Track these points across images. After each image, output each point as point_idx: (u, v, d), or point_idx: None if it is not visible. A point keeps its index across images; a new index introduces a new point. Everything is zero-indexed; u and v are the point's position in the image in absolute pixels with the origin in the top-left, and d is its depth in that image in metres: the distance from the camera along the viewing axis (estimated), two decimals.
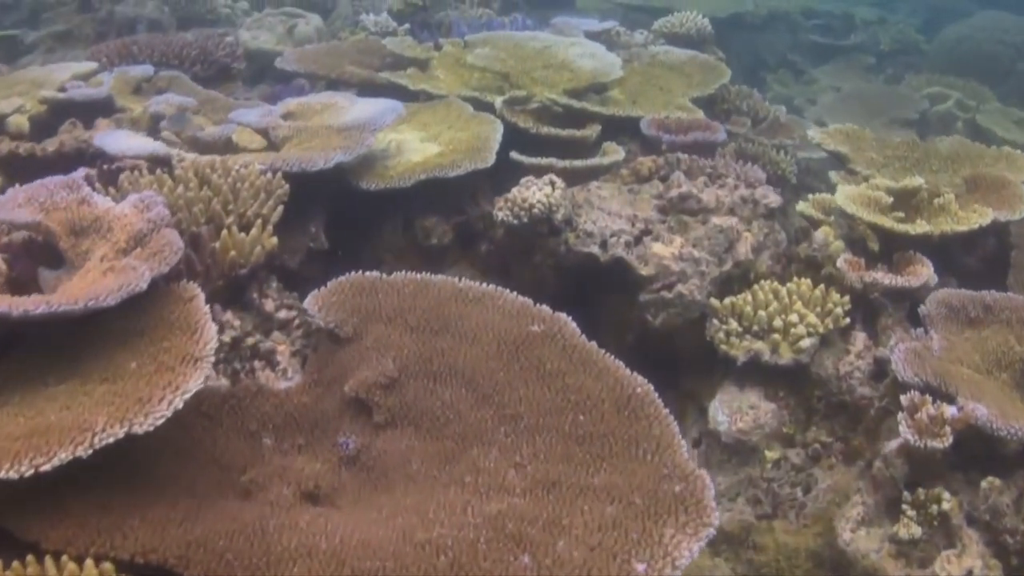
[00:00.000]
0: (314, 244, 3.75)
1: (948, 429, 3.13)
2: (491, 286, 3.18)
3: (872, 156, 4.80)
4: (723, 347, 3.61)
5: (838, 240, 3.90)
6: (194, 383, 2.52)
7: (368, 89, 5.06)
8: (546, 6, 8.87)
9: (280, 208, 3.37)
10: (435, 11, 7.10)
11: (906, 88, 8.69)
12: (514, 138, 4.38)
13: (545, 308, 3.09)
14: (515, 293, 3.15)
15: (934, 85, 8.65)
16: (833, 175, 4.62)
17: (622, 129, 4.78)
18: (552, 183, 3.76)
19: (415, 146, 4.30)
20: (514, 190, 3.78)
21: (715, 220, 3.78)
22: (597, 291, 3.83)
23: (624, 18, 8.61)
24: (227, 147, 4.05)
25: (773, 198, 3.99)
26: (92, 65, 4.90)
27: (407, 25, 6.17)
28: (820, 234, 3.90)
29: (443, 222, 4.04)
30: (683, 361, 3.80)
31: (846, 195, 3.97)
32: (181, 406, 2.45)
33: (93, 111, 4.38)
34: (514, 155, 4.30)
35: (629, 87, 5.31)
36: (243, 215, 3.27)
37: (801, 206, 4.24)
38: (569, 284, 3.84)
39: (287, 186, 3.41)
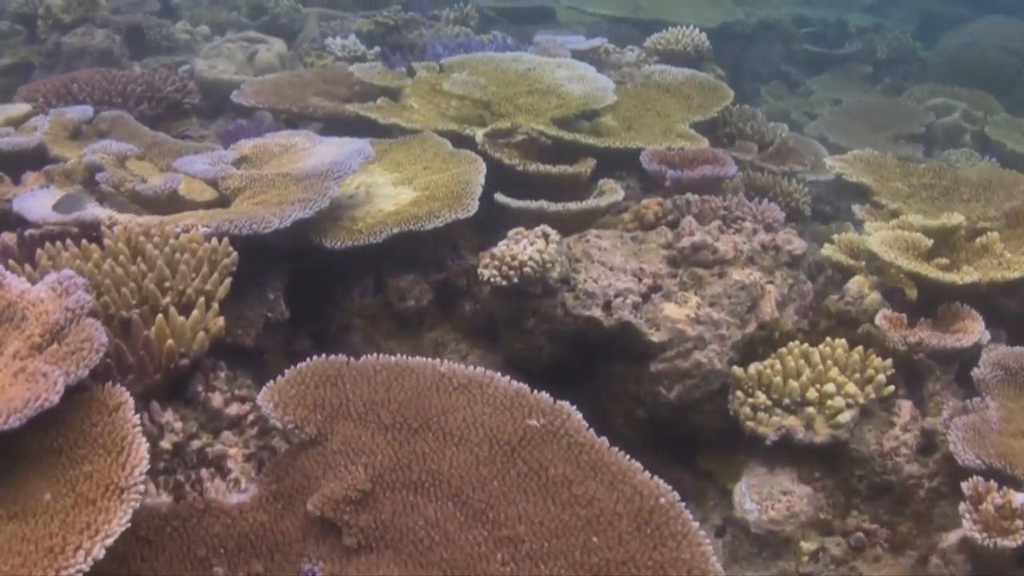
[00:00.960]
0: (272, 314, 3.24)
1: (1020, 523, 2.66)
2: (479, 370, 2.68)
3: (897, 186, 4.32)
4: (749, 424, 3.11)
5: (874, 292, 3.42)
6: (118, 523, 2.07)
7: (335, 124, 4.57)
8: (526, 21, 8.40)
9: (228, 281, 2.85)
10: (408, 31, 6.60)
11: (909, 100, 8.23)
12: (498, 176, 3.88)
13: (544, 397, 2.61)
14: (507, 378, 2.66)
15: (938, 95, 8.20)
16: (857, 210, 4.14)
17: (618, 161, 4.29)
18: (545, 236, 3.26)
19: (387, 191, 3.80)
20: (501, 245, 3.27)
21: (735, 276, 3.29)
22: (600, 359, 3.34)
23: (609, 32, 8.12)
24: (172, 201, 3.54)
25: (797, 244, 3.50)
26: (26, 107, 4.39)
27: (377, 48, 5.67)
28: (854, 286, 3.42)
29: (420, 280, 3.54)
30: (701, 437, 3.30)
31: (881, 240, 3.49)
32: (103, 555, 1.95)
33: (23, 161, 3.87)
34: (499, 198, 3.80)
35: (623, 112, 4.82)
36: (183, 293, 2.76)
37: (827, 250, 3.75)
38: (567, 351, 3.34)
39: (235, 254, 2.90)
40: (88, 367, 2.33)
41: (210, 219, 3.11)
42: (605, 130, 4.73)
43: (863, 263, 3.68)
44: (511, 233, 3.32)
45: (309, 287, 3.50)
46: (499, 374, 2.68)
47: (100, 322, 2.58)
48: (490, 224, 3.63)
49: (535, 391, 2.64)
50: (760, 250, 3.47)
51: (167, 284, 2.75)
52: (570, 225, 3.69)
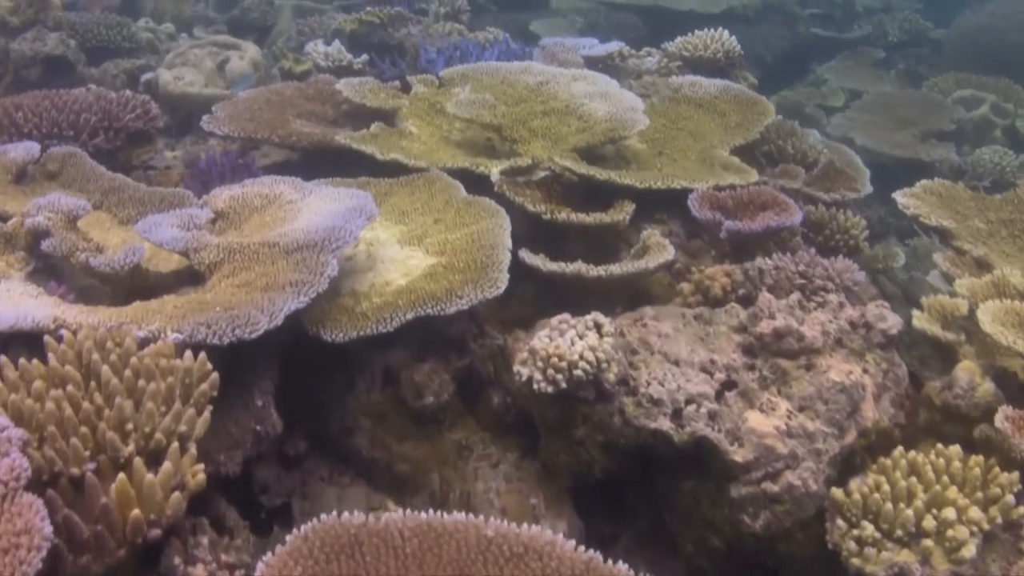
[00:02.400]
0: (261, 427, 2.61)
1: None
2: (536, 533, 2.07)
3: (977, 225, 3.74)
4: (855, 561, 2.52)
5: (986, 381, 2.83)
6: None
7: (322, 156, 3.91)
8: (517, 8, 7.74)
9: (208, 414, 2.22)
10: (395, 29, 5.92)
11: (933, 91, 7.62)
12: (519, 220, 3.29)
13: (623, 571, 2.01)
14: (572, 544, 2.05)
15: (964, 86, 7.59)
16: (939, 260, 3.55)
17: (657, 200, 3.67)
18: (598, 327, 2.65)
19: (393, 251, 3.17)
20: (543, 336, 2.66)
21: (831, 374, 2.69)
22: (664, 472, 2.74)
23: (608, 20, 7.51)
24: (134, 276, 2.89)
25: (892, 321, 2.90)
26: None
27: (365, 56, 4.99)
28: (963, 375, 2.83)
29: (439, 370, 2.92)
30: (789, 569, 2.71)
31: (991, 316, 2.90)
32: None
33: None
34: (527, 258, 3.19)
35: (651, 133, 4.21)
36: (150, 436, 2.13)
37: (919, 320, 3.17)
38: (624, 463, 2.73)
39: (214, 376, 2.28)
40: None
41: (181, 317, 2.48)
42: (632, 156, 4.12)
43: (962, 336, 3.09)
44: (554, 322, 2.70)
45: (305, 382, 2.88)
46: (562, 537, 2.07)
47: (44, 479, 1.98)
48: (515, 287, 3.00)
49: (610, 561, 2.05)
50: (849, 329, 2.87)
51: (129, 426, 2.11)
52: (610, 289, 3.10)
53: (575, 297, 3.15)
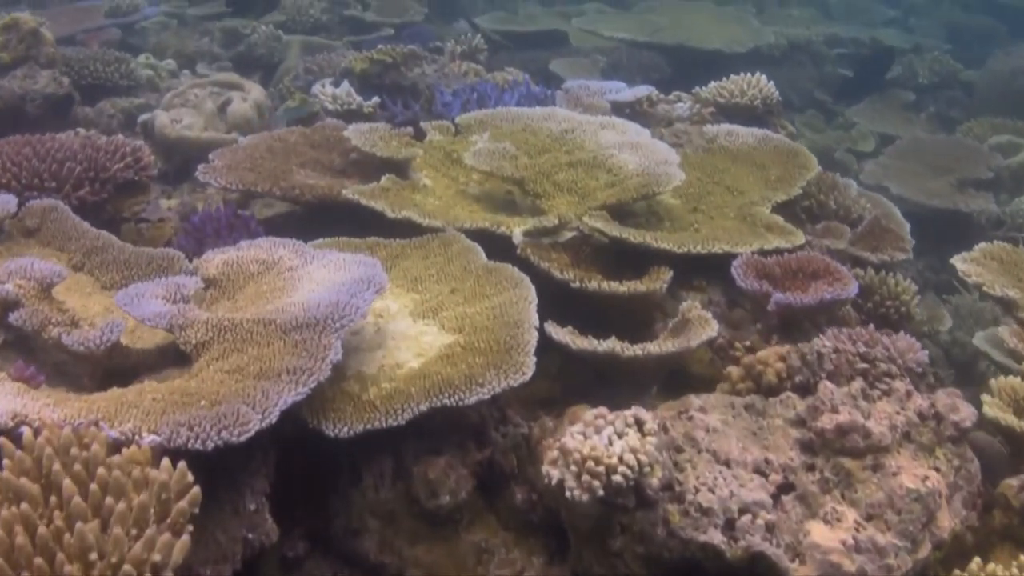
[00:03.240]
0: (254, 535, 2.28)
1: None
2: None
3: None
4: None
5: None
6: None
7: (328, 210, 3.60)
8: (536, 46, 7.46)
9: (187, 536, 1.89)
10: (408, 68, 5.62)
11: (968, 137, 7.29)
12: (542, 286, 2.96)
13: None
14: None
15: (1000, 132, 7.27)
16: (1006, 336, 3.22)
17: (692, 261, 3.35)
18: (639, 424, 2.31)
19: (404, 326, 2.85)
20: (576, 434, 2.32)
21: (904, 479, 2.36)
22: None
23: (630, 59, 7.21)
24: (112, 355, 2.56)
25: (965, 412, 2.57)
26: None
27: (376, 99, 4.68)
28: None
29: (456, 465, 2.58)
30: None
31: None
32: None
33: None
34: (554, 333, 2.87)
35: (686, 187, 3.88)
36: (118, 566, 1.78)
37: (990, 408, 2.82)
38: None
39: (196, 491, 1.94)
40: None
41: (159, 414, 2.15)
42: (665, 212, 3.80)
43: None
44: (589, 417, 2.36)
45: (304, 478, 2.55)
46: None
47: None
48: (539, 359, 2.66)
49: None
50: (917, 422, 2.53)
51: (93, 556, 1.77)
52: (649, 369, 2.77)
53: (606, 375, 2.83)
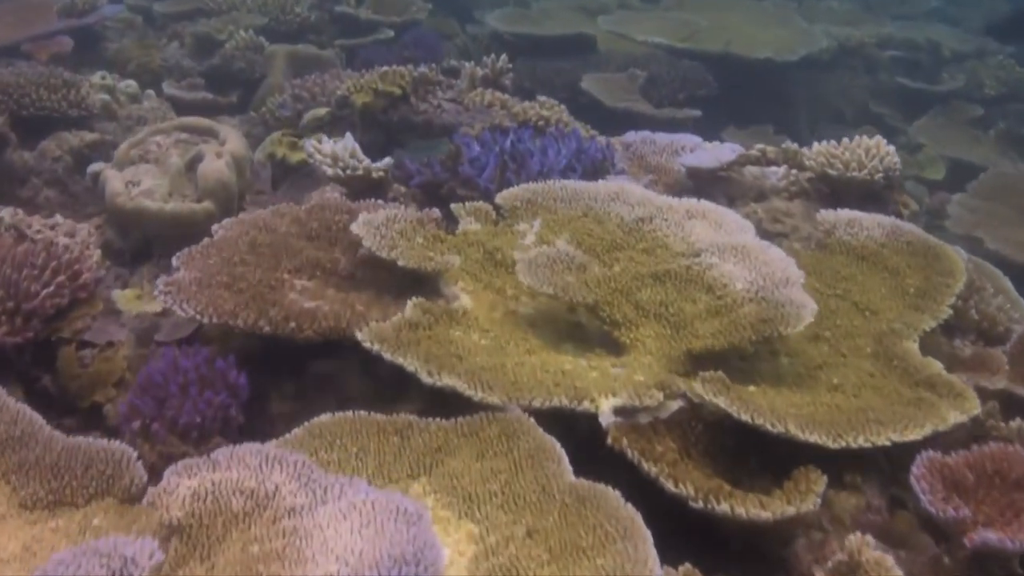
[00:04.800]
0: None
1: None
2: None
3: None
4: None
5: None
6: None
7: (333, 353, 2.62)
8: (559, 53, 6.45)
9: None
10: (420, 97, 4.61)
11: None
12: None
13: None
14: None
15: None
16: None
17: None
18: None
19: None
20: None
21: None
22: None
23: (671, 73, 6.31)
24: None
25: None
26: None
27: (388, 160, 3.67)
28: None
29: None
30: None
31: None
32: None
33: None
34: None
35: None
36: None
37: None
38: None
39: None
40: None
41: None
42: (779, 340, 2.81)
43: None
44: None
45: None
46: None
47: None
48: None
49: None
50: None
51: None
52: None
53: None
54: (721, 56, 6.64)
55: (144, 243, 3.62)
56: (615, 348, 2.75)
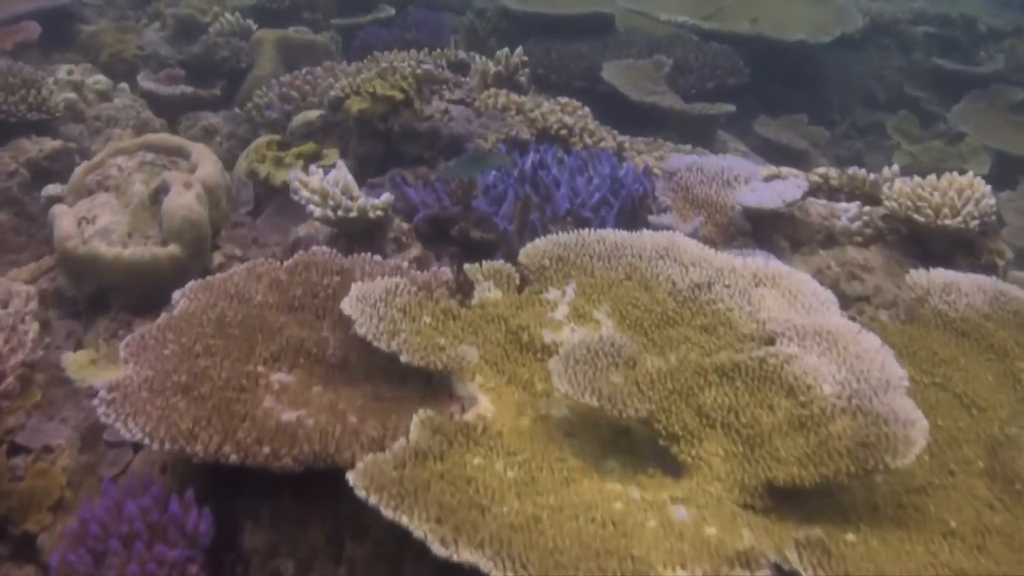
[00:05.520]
0: None
1: None
2: None
3: None
4: None
5: None
6: None
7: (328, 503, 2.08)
8: (574, 33, 5.87)
9: None
10: (424, 99, 4.03)
11: None
12: None
13: None
14: None
15: None
16: None
17: None
18: None
19: None
20: None
21: None
22: None
23: (699, 58, 5.73)
24: None
25: None
26: None
27: (387, 197, 3.09)
28: None
29: None
30: None
31: None
32: None
33: None
34: None
35: None
36: None
37: None
38: None
39: None
40: None
41: None
42: None
43: None
44: None
45: None
46: None
47: None
48: None
49: None
50: None
51: None
52: None
53: None
54: (752, 39, 6.03)
55: (101, 291, 3.05)
56: (672, 464, 2.20)
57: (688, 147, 4.67)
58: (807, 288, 2.56)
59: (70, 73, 4.53)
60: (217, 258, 3.22)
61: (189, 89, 4.90)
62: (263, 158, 3.75)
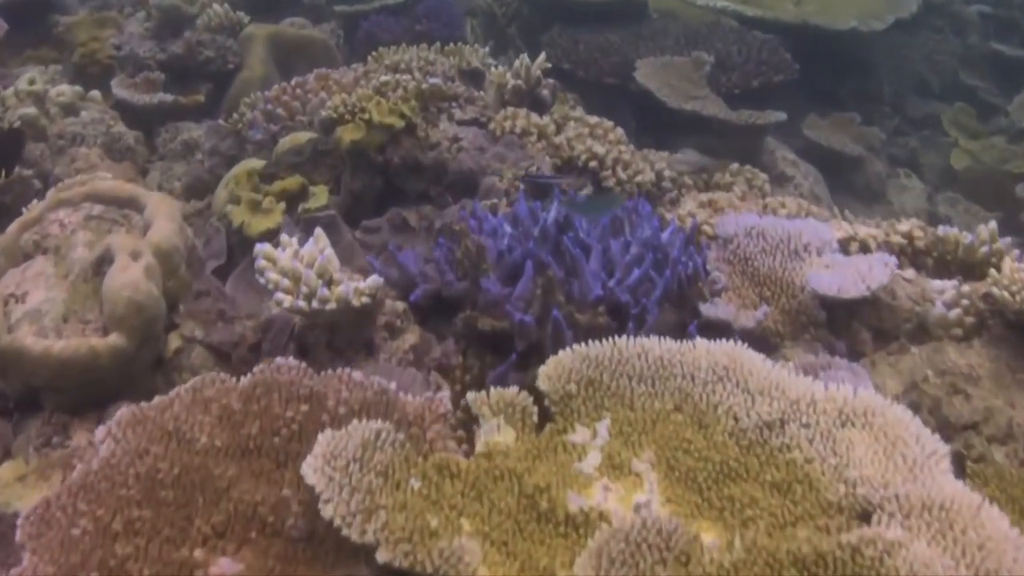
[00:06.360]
0: None
1: None
2: None
3: None
4: None
5: None
6: None
7: None
8: (601, 19, 5.23)
9: None
10: (431, 122, 3.46)
11: None
12: None
13: None
14: None
15: None
16: None
17: None
18: None
19: None
20: None
21: None
22: None
23: (742, 51, 5.21)
24: None
25: None
26: None
27: (376, 280, 2.52)
28: None
29: None
30: None
31: None
32: None
33: None
34: None
35: None
36: None
37: None
38: None
39: None
40: None
41: None
42: None
43: None
44: None
45: None
46: None
47: None
48: None
49: None
50: None
51: None
52: None
53: None
54: (798, 26, 5.38)
55: (29, 391, 2.51)
56: None
57: (735, 166, 4.09)
58: (908, 433, 1.97)
59: (31, 83, 3.96)
60: (174, 341, 2.66)
61: (168, 97, 4.31)
62: (238, 199, 3.18)
